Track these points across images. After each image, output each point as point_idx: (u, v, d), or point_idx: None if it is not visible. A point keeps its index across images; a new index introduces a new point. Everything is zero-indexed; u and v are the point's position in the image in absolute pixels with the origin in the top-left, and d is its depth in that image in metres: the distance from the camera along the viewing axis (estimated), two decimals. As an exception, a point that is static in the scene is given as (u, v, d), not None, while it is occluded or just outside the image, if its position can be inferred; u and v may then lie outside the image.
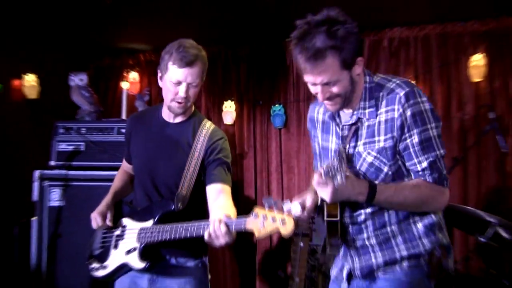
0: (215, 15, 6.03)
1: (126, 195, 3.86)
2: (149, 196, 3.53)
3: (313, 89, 2.81)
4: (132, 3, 5.63)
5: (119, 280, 3.56)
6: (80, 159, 5.54)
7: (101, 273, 3.57)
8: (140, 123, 3.70)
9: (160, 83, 3.48)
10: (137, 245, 3.42)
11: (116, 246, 3.54)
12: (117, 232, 3.57)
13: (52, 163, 5.54)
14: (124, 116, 6.40)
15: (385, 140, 2.78)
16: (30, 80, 6.66)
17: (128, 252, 3.45)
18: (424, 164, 2.75)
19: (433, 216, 2.89)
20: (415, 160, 2.76)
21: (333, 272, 3.15)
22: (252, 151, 6.94)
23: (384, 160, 2.80)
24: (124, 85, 6.88)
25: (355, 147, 2.85)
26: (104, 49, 7.43)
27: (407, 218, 2.88)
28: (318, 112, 3.11)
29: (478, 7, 5.72)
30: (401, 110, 2.70)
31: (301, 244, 5.62)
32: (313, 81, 2.75)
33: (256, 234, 2.92)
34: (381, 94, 2.80)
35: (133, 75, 7.22)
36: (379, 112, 2.80)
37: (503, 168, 5.86)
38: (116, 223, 3.63)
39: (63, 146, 5.57)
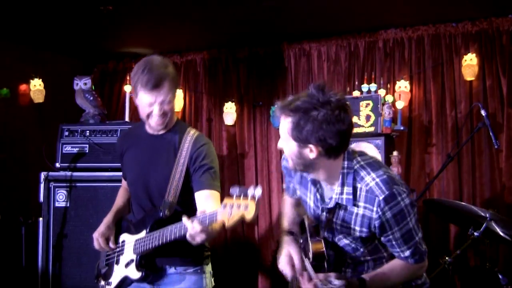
0: (215, 20, 6.12)
1: (128, 212, 3.86)
2: (144, 208, 3.58)
3: None
4: (134, 9, 5.74)
5: None
6: (84, 160, 5.62)
7: None
8: (128, 140, 3.75)
9: (136, 101, 3.48)
10: (134, 256, 3.48)
11: (117, 262, 3.60)
12: (117, 249, 3.64)
13: (58, 165, 5.62)
14: (127, 118, 6.46)
15: (360, 231, 2.86)
16: (36, 85, 6.75)
17: (127, 264, 3.52)
18: (407, 252, 2.85)
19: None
20: (398, 249, 2.86)
21: None
22: (252, 150, 7.04)
23: (359, 244, 2.94)
24: (127, 88, 6.96)
25: (332, 224, 2.92)
26: (108, 54, 7.54)
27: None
28: None
29: (469, 9, 5.82)
30: (380, 213, 2.74)
31: (301, 241, 5.72)
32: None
33: (226, 223, 2.92)
34: (359, 186, 2.81)
35: (136, 79, 7.29)
36: (357, 203, 2.82)
37: (495, 164, 5.95)
38: (117, 240, 3.68)
39: (68, 148, 5.64)
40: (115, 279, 3.59)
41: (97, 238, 3.64)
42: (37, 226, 5.53)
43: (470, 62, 5.92)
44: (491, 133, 5.03)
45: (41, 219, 5.52)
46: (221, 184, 3.56)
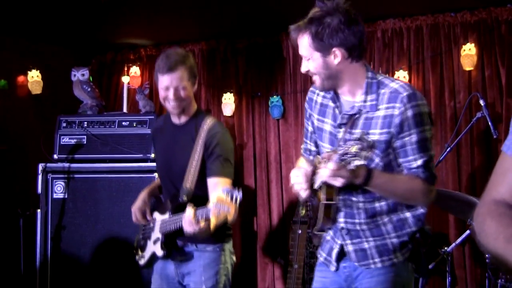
0: (213, 10, 6.09)
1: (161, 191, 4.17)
2: (170, 191, 3.88)
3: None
4: (132, -1, 5.73)
5: (155, 265, 3.94)
6: (82, 152, 5.64)
7: (142, 262, 4.00)
8: (157, 130, 4.09)
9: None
10: (159, 235, 3.81)
11: (150, 238, 3.93)
12: (151, 224, 3.95)
13: (56, 156, 5.62)
14: (125, 110, 6.47)
15: (380, 133, 2.88)
16: (34, 76, 6.74)
17: (155, 242, 3.85)
18: (419, 162, 2.87)
19: (421, 209, 3.03)
20: (411, 158, 2.88)
21: (321, 256, 3.23)
22: (251, 141, 7.02)
23: (377, 152, 2.89)
24: (125, 79, 6.98)
25: (350, 134, 2.92)
26: (106, 45, 7.50)
27: (396, 210, 3.01)
28: (317, 95, 3.20)
29: (468, -2, 5.81)
30: (402, 108, 2.81)
31: (299, 231, 5.73)
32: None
33: (214, 221, 3.35)
34: (383, 91, 2.90)
35: (134, 70, 7.26)
36: (379, 107, 2.90)
37: (494, 154, 5.92)
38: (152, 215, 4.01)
39: (66, 140, 5.65)
40: (147, 253, 3.94)
41: (135, 212, 3.99)
42: (35, 218, 5.55)
43: (469, 52, 5.89)
44: (490, 123, 5.04)
45: (39, 210, 5.53)
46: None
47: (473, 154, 6.02)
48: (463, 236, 4.74)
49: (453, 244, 4.78)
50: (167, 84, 3.67)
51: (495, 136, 5.04)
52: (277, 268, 6.77)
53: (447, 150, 5.17)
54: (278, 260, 6.60)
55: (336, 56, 2.89)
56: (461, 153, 6.04)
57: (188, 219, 3.40)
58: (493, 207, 1.88)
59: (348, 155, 2.56)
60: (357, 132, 2.89)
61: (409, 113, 2.82)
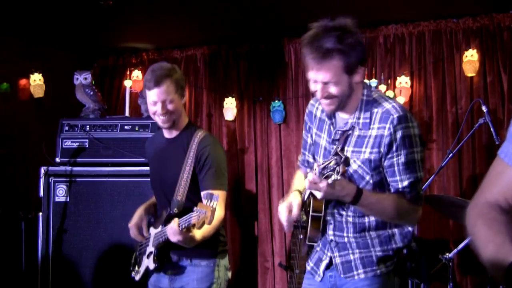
0: (215, 14, 6.11)
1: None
2: (163, 205, 3.85)
3: (313, 87, 2.94)
4: (134, 3, 5.73)
5: (149, 279, 3.94)
6: (84, 155, 5.60)
7: (137, 277, 3.96)
8: (150, 146, 4.12)
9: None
10: (152, 249, 3.79)
11: (144, 253, 3.91)
12: (146, 240, 3.94)
13: (58, 159, 5.60)
14: (127, 113, 6.47)
15: (370, 152, 2.93)
16: (36, 79, 6.74)
17: (148, 256, 3.83)
18: (405, 183, 2.93)
19: (409, 227, 3.10)
20: (398, 178, 2.94)
21: (309, 265, 3.31)
22: (252, 146, 7.02)
23: (367, 169, 2.96)
24: (127, 83, 6.98)
25: (342, 151, 2.90)
26: (109, 49, 7.52)
27: (385, 227, 3.07)
28: (317, 109, 3.23)
29: (470, 5, 5.83)
30: (391, 130, 2.85)
31: (301, 236, 5.72)
32: (315, 78, 2.89)
33: (196, 226, 3.32)
34: (376, 110, 2.94)
35: (136, 74, 7.23)
36: (371, 126, 2.93)
37: (496, 161, 5.92)
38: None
39: (68, 143, 5.62)
40: (142, 268, 3.92)
41: (131, 229, 3.99)
42: (37, 221, 5.51)
43: (471, 58, 5.91)
44: (492, 129, 5.04)
45: (41, 214, 5.50)
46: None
47: (474, 160, 6.03)
48: (465, 242, 4.72)
49: (455, 250, 4.77)
50: (155, 99, 3.68)
51: (497, 142, 5.03)
52: (278, 273, 6.77)
53: (449, 156, 5.17)
54: (279, 265, 6.59)
55: (358, 74, 2.89)
56: (462, 159, 6.05)
57: (172, 229, 3.43)
58: (485, 210, 1.91)
59: (327, 169, 2.64)
60: (349, 149, 2.97)
61: (398, 134, 2.86)
